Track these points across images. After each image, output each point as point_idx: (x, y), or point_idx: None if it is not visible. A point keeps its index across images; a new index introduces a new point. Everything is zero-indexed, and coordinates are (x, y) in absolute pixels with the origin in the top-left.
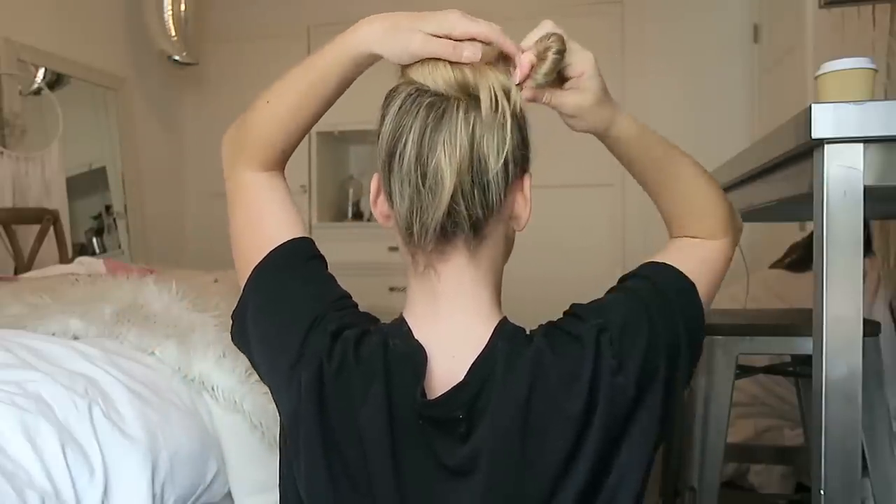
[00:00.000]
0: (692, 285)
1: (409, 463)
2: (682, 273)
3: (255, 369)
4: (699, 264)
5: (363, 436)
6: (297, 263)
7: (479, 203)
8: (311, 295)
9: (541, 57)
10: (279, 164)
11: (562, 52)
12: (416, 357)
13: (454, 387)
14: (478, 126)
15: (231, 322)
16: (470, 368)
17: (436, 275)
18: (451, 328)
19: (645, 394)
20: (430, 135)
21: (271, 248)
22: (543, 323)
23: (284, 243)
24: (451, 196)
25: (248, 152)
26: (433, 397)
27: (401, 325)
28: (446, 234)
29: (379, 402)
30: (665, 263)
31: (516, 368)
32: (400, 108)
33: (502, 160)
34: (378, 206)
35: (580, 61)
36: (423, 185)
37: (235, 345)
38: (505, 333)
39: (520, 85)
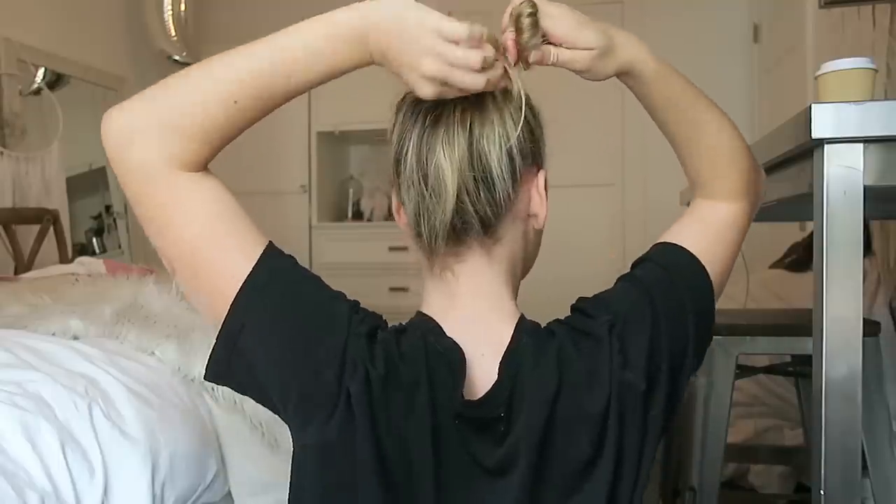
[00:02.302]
0: (703, 269)
1: (450, 468)
2: (693, 257)
3: (275, 403)
4: (714, 235)
5: (409, 443)
6: (294, 268)
7: (487, 201)
8: (329, 297)
9: (518, 28)
10: (207, 162)
11: (534, 13)
12: (453, 356)
13: (493, 385)
14: (476, 123)
15: (214, 350)
16: (500, 365)
17: (453, 276)
18: (474, 325)
19: (654, 386)
20: (428, 137)
21: (253, 260)
22: (552, 321)
23: (268, 252)
24: (457, 196)
25: (180, 146)
26: (472, 397)
27: (429, 322)
28: (458, 234)
29: (424, 407)
30: (677, 246)
31: (543, 364)
32: (404, 115)
33: (505, 155)
34: (400, 217)
35: (554, 26)
36: (427, 188)
37: (218, 382)
38: (527, 329)
39: (517, 64)
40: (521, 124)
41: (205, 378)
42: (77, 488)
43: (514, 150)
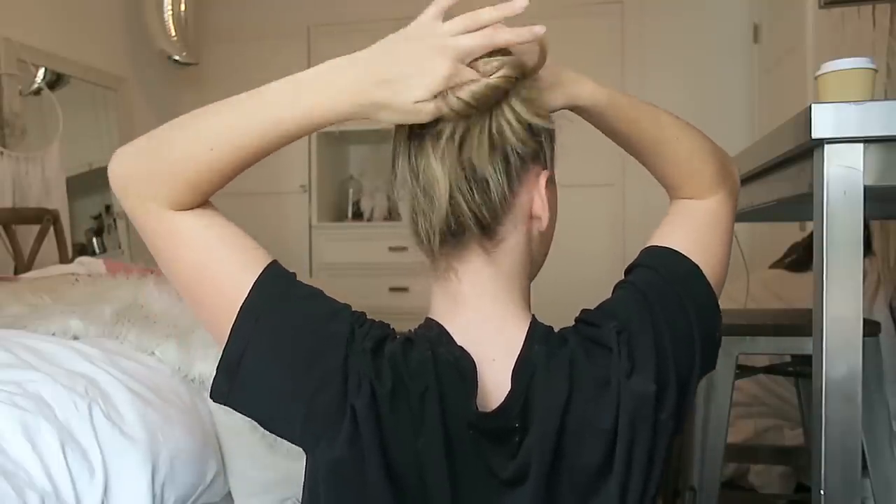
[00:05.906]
0: (695, 267)
1: (466, 480)
2: (683, 256)
3: (282, 427)
4: (701, 229)
5: (422, 457)
6: (290, 289)
7: (482, 201)
8: (327, 315)
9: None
10: (200, 203)
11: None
12: (464, 365)
13: (507, 396)
14: (461, 122)
15: (216, 377)
16: (512, 374)
17: (456, 278)
18: (482, 328)
19: (664, 389)
20: (417, 140)
21: (248, 287)
22: (565, 327)
23: (263, 276)
24: (450, 195)
25: (173, 195)
26: (484, 406)
27: (438, 330)
28: (454, 234)
29: (435, 420)
30: (666, 248)
31: (555, 372)
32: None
33: (498, 155)
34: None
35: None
36: (419, 188)
37: (225, 404)
38: (538, 335)
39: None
40: (515, 124)
41: (211, 398)
42: (77, 488)
43: (510, 151)
